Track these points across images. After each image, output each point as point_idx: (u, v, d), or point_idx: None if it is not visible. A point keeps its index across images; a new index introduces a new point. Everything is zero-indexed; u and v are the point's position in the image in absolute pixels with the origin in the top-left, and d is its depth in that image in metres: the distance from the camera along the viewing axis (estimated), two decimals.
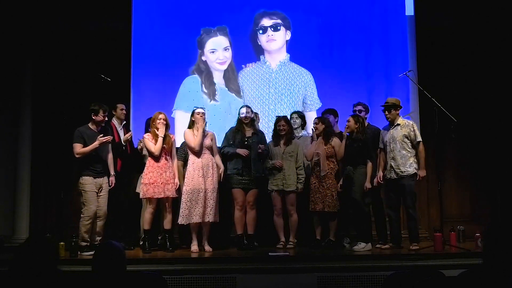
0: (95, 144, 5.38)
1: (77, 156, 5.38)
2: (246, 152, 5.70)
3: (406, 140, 5.47)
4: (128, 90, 6.64)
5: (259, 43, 6.91)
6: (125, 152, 5.93)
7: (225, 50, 6.85)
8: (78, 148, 5.38)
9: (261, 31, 6.89)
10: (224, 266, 4.91)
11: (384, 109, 5.61)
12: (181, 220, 5.48)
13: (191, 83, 6.79)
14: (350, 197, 5.56)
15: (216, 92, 6.79)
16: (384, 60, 6.84)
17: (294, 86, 6.78)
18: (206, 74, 6.82)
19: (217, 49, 6.85)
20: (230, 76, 6.82)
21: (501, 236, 2.20)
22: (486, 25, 6.90)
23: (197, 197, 5.46)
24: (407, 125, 5.54)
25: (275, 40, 6.88)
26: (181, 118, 6.57)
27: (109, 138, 5.48)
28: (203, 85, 6.79)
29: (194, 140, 5.59)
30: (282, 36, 6.88)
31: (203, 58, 6.87)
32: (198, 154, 5.60)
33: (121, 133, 6.00)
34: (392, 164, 5.48)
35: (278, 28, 6.87)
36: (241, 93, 6.79)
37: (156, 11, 6.91)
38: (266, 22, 6.89)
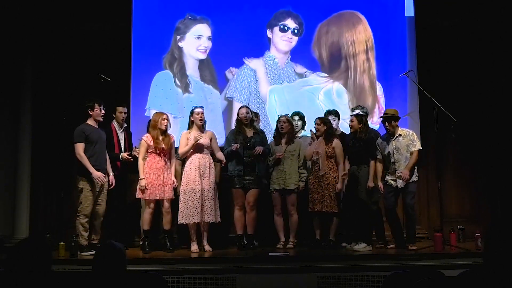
0: (93, 172, 5.31)
1: (77, 156, 5.36)
2: (236, 147, 5.66)
3: (409, 149, 5.46)
4: (128, 90, 6.64)
5: (270, 36, 6.86)
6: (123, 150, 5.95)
7: (208, 39, 6.83)
8: (81, 149, 5.36)
9: (282, 28, 6.86)
10: (224, 266, 4.92)
11: (384, 120, 5.59)
12: (180, 220, 5.49)
13: (163, 80, 6.73)
14: (356, 197, 5.55)
15: (190, 84, 6.75)
16: (383, 60, 6.83)
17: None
18: (179, 63, 6.77)
19: (202, 36, 6.83)
20: (206, 67, 6.79)
21: (501, 236, 2.20)
22: (486, 25, 6.90)
23: (193, 197, 5.46)
24: (407, 135, 5.52)
25: (290, 43, 6.87)
26: None
27: (104, 181, 5.44)
28: (175, 78, 6.74)
29: (183, 147, 5.58)
30: (296, 40, 6.88)
31: (180, 44, 6.82)
32: (193, 154, 5.58)
33: (121, 136, 5.99)
34: (399, 174, 5.43)
35: (296, 32, 6.86)
36: (247, 87, 6.73)
37: (156, 10, 6.90)
38: (290, 23, 6.87)
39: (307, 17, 6.90)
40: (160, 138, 5.62)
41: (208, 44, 6.81)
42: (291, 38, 6.87)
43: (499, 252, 2.17)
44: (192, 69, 6.79)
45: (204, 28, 6.83)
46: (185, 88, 6.74)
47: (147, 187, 5.53)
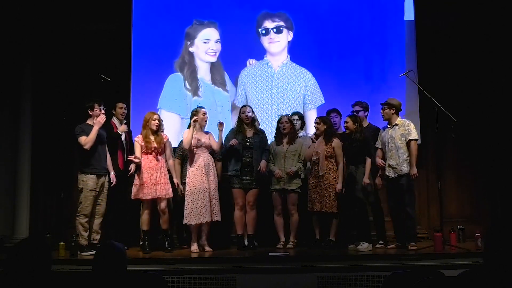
0: (95, 127, 5.37)
1: (85, 146, 5.34)
2: (235, 142, 5.68)
3: (403, 139, 5.51)
4: (128, 90, 6.64)
5: (261, 42, 6.89)
6: (126, 150, 5.94)
7: (216, 42, 6.84)
8: (84, 139, 5.36)
9: (263, 32, 6.88)
10: (224, 266, 4.92)
11: (382, 108, 5.68)
12: (189, 221, 5.46)
13: (174, 82, 6.77)
14: (354, 196, 5.56)
15: (200, 88, 6.77)
16: (383, 62, 6.84)
17: (295, 87, 6.78)
18: (189, 67, 6.79)
19: (210, 40, 6.85)
20: (216, 70, 6.81)
21: (501, 236, 2.20)
22: (485, 26, 6.90)
23: (202, 197, 5.46)
24: (403, 125, 5.58)
25: (278, 42, 6.87)
26: (165, 118, 6.54)
27: (103, 116, 5.46)
28: (185, 82, 6.77)
29: (184, 138, 5.61)
30: (284, 37, 6.87)
31: (191, 50, 6.84)
32: (196, 154, 5.59)
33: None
34: (391, 163, 5.51)
35: (281, 29, 6.86)
36: (243, 92, 6.76)
37: (156, 10, 6.90)
38: (269, 24, 6.88)
39: (300, 14, 6.90)
40: (152, 137, 5.63)
41: (217, 46, 6.83)
42: (275, 38, 6.86)
43: (499, 252, 2.17)
44: (203, 73, 6.81)
45: (211, 31, 6.85)
46: (195, 91, 6.75)
47: (140, 187, 5.55)
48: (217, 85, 6.79)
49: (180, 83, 6.77)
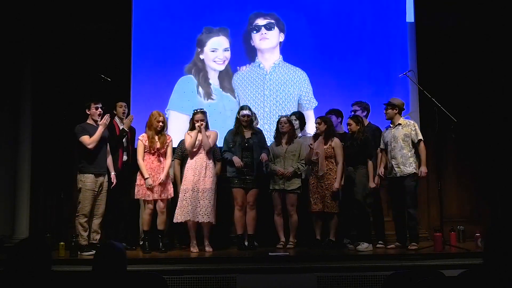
0: (100, 128, 5.38)
1: (90, 146, 5.33)
2: (239, 164, 5.69)
3: (406, 139, 5.51)
4: (128, 90, 6.64)
5: (253, 44, 6.90)
6: (125, 148, 5.94)
7: (225, 50, 6.84)
8: (88, 139, 5.36)
9: (254, 31, 6.88)
10: (224, 266, 4.91)
11: (385, 107, 5.70)
12: (176, 218, 5.47)
13: (187, 83, 6.77)
14: (352, 197, 5.56)
15: (212, 92, 6.78)
16: (384, 63, 6.85)
17: (288, 87, 6.78)
18: (203, 73, 6.81)
19: (217, 49, 6.85)
20: (225, 76, 6.82)
21: (501, 236, 2.20)
22: (485, 27, 6.91)
23: (186, 196, 5.46)
24: (408, 125, 5.59)
25: (268, 39, 6.87)
26: (175, 118, 6.61)
27: (107, 117, 5.45)
28: (199, 86, 6.79)
29: (188, 141, 5.61)
30: (276, 36, 6.87)
31: (201, 57, 6.86)
32: (192, 155, 5.61)
33: None
34: (393, 163, 5.51)
35: (272, 28, 6.87)
36: (236, 95, 6.79)
37: (156, 10, 6.91)
38: (260, 21, 6.89)
39: (302, 16, 6.92)
40: (156, 137, 5.62)
41: (225, 55, 6.83)
42: (266, 33, 6.86)
43: (499, 252, 2.17)
44: (213, 79, 6.83)
45: (220, 40, 6.85)
46: (207, 95, 6.75)
47: (142, 187, 5.55)
48: (225, 90, 6.79)
49: (193, 85, 6.78)
